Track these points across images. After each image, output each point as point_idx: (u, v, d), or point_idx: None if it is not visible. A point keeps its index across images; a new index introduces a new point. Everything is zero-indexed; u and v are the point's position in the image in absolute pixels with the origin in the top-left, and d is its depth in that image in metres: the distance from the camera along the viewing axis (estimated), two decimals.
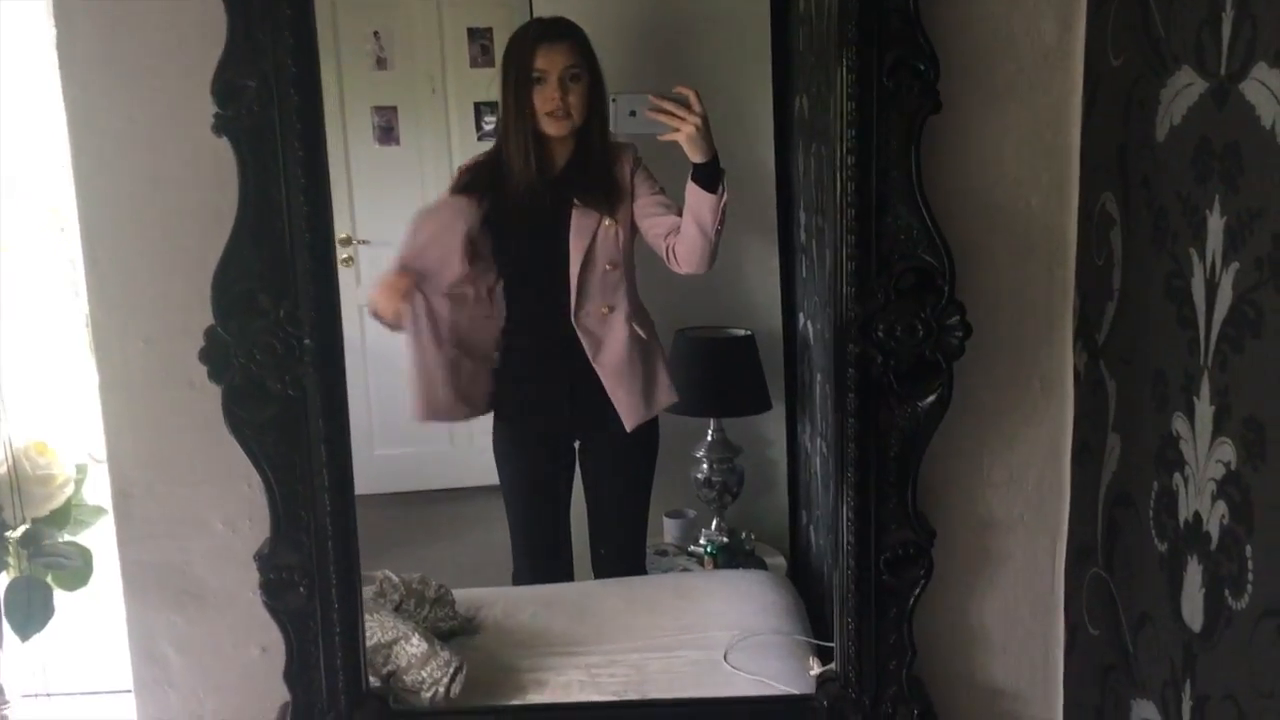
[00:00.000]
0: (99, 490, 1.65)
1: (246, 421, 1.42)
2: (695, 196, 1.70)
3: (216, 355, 1.39)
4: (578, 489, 2.01)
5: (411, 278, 1.78)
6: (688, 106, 1.63)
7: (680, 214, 1.77)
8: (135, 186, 1.44)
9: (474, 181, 1.78)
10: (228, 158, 1.36)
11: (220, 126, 1.35)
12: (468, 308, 1.84)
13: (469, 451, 1.99)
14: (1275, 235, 1.02)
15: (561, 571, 2.00)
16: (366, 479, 1.92)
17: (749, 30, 1.99)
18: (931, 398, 1.45)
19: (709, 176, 1.68)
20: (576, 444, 1.96)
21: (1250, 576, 1.09)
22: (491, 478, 1.96)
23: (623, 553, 2.03)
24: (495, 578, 1.98)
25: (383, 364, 1.89)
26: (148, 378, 1.49)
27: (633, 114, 1.64)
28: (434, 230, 1.80)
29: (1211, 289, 1.14)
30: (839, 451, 1.48)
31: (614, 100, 1.65)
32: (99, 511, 1.63)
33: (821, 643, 1.73)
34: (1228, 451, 1.12)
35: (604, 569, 2.00)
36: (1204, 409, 1.17)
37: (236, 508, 1.53)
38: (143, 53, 1.41)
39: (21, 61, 2.02)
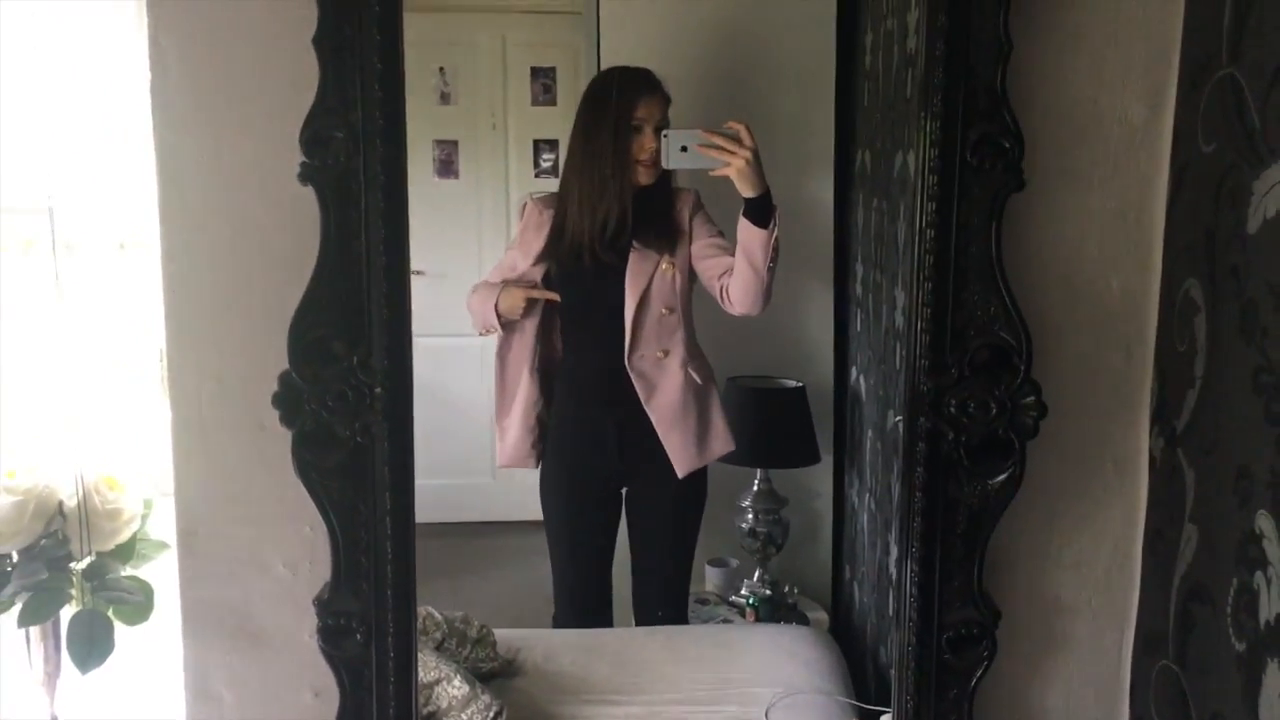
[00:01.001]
0: (162, 525, 1.66)
1: (314, 466, 1.42)
2: (747, 232, 1.70)
3: (289, 400, 1.40)
4: (622, 535, 2.01)
5: (532, 286, 1.80)
6: (739, 141, 1.63)
7: (731, 259, 1.77)
8: (218, 229, 1.46)
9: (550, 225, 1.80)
10: (311, 206, 1.37)
11: (306, 175, 1.36)
12: (540, 339, 1.86)
13: (509, 485, 2.00)
14: None
15: (602, 617, 2.00)
16: None
17: (813, 83, 2.00)
18: (1003, 476, 1.43)
19: (760, 211, 1.69)
20: (624, 490, 1.96)
21: None
22: (532, 513, 1.97)
23: (665, 601, 2.02)
24: (532, 615, 1.98)
25: (428, 394, 1.90)
26: (219, 417, 1.50)
27: (684, 149, 1.65)
28: (526, 268, 1.81)
29: None
30: (905, 526, 1.46)
31: (665, 136, 1.66)
32: (162, 546, 1.64)
33: (865, 705, 1.70)
34: None
35: (646, 617, 1.99)
36: None
37: (298, 550, 1.53)
38: (234, 99, 1.43)
39: (92, 85, 2.06)
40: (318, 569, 1.52)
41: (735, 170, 1.65)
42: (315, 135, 1.37)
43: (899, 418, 1.77)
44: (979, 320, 1.41)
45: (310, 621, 1.47)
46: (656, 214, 1.83)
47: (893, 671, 1.53)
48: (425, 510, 1.95)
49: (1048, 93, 1.43)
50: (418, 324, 1.93)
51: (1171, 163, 1.43)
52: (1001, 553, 1.49)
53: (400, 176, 1.39)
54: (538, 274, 1.84)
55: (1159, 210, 1.45)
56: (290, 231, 1.43)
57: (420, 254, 1.87)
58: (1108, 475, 1.52)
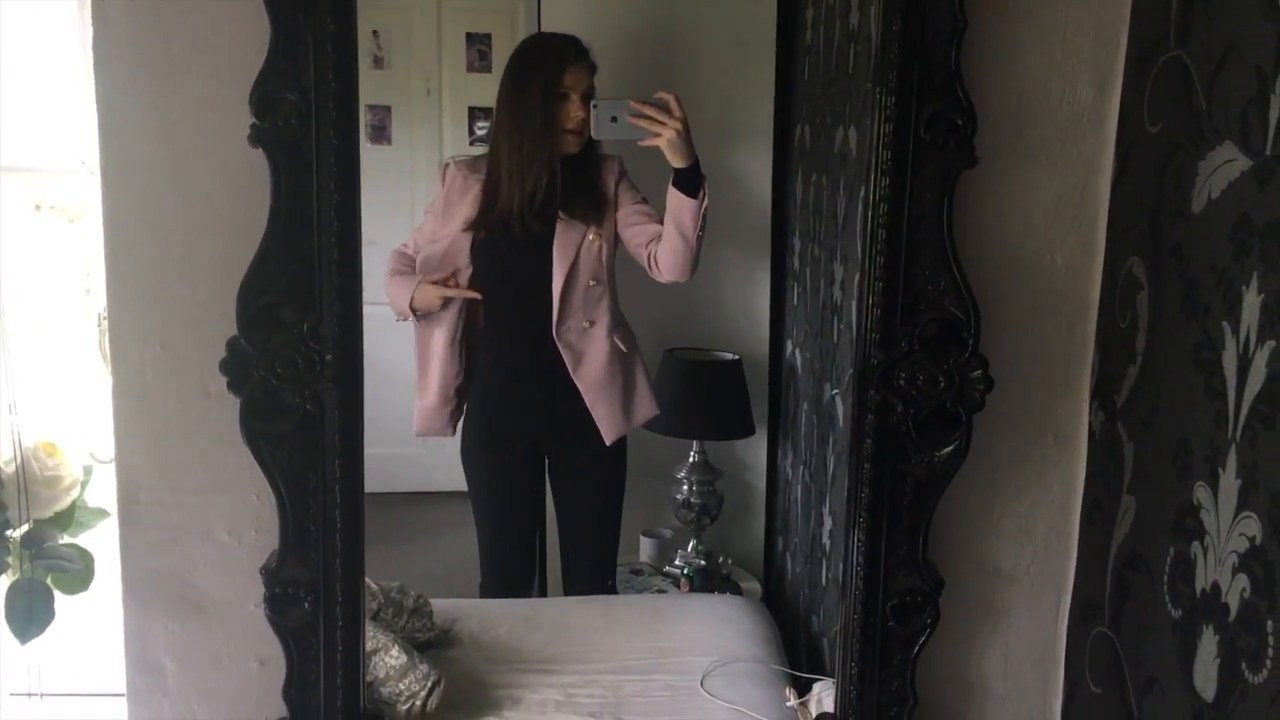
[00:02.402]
0: (101, 493, 1.63)
1: (263, 434, 1.41)
2: (677, 201, 1.71)
3: (238, 367, 1.38)
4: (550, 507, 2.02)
5: (449, 276, 1.79)
6: (668, 111, 1.64)
7: (658, 226, 1.77)
8: (164, 191, 1.42)
9: (479, 190, 1.78)
10: (260, 169, 1.34)
11: (257, 138, 1.34)
12: (463, 314, 1.84)
13: (440, 455, 1.99)
14: None
15: (529, 587, 2.01)
16: None
17: (752, 56, 2.00)
18: (949, 449, 1.46)
19: (690, 181, 1.70)
20: (546, 459, 1.96)
21: (1270, 651, 1.10)
22: (463, 484, 1.96)
23: (594, 569, 2.03)
24: (465, 585, 1.98)
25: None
26: (163, 384, 1.47)
27: (614, 119, 1.65)
28: (449, 233, 1.80)
29: (1244, 364, 1.15)
30: (853, 497, 1.49)
31: (595, 105, 1.66)
32: (101, 514, 1.61)
33: (799, 674, 1.73)
34: (1253, 526, 1.13)
35: (575, 587, 2.00)
36: (1229, 481, 1.18)
37: (243, 518, 1.51)
38: (181, 58, 1.39)
39: (35, 51, 1.99)
40: (263, 537, 1.50)
41: (665, 141, 1.65)
42: (266, 97, 1.34)
43: (835, 391, 1.80)
44: (929, 294, 1.43)
45: (255, 590, 1.45)
46: (582, 184, 1.83)
47: (837, 638, 1.56)
48: None
49: (1000, 72, 1.45)
50: None
51: (1117, 143, 1.46)
52: (944, 522, 1.52)
53: (353, 141, 1.37)
54: (463, 241, 1.82)
55: (1104, 189, 1.48)
56: (239, 194, 1.40)
57: None
58: (1048, 447, 1.55)
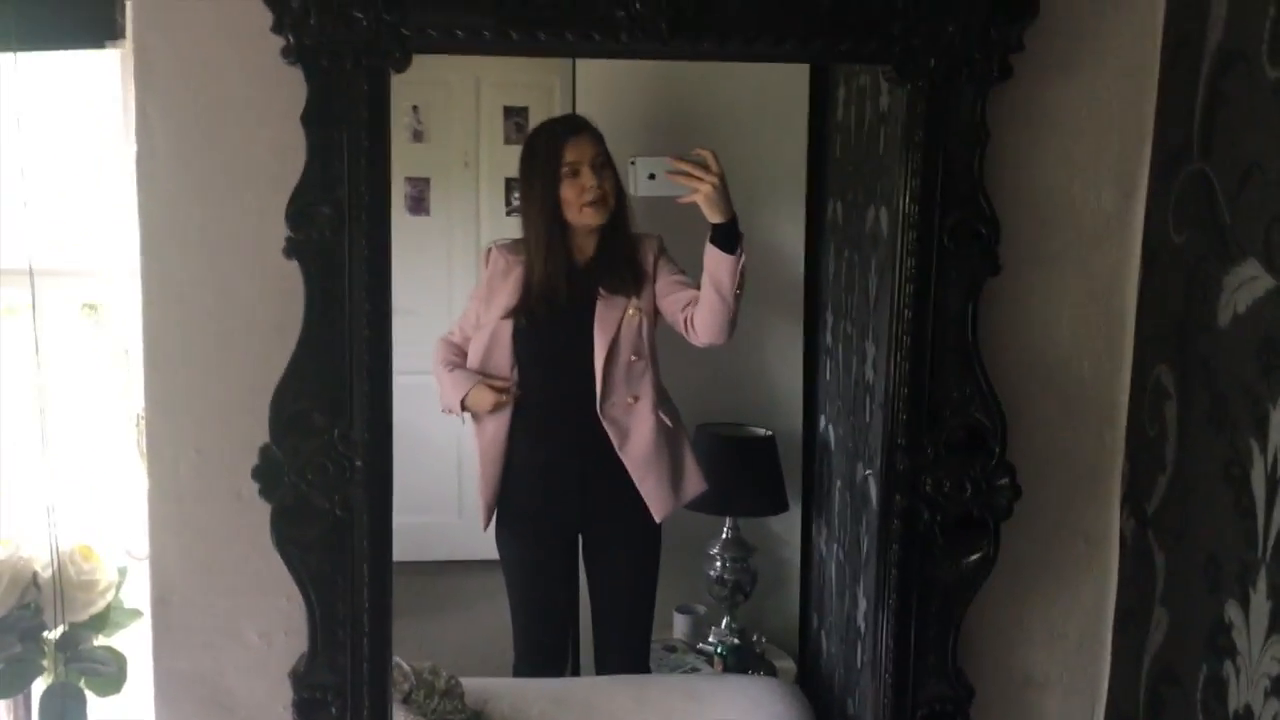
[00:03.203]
0: (135, 592, 1.64)
1: (293, 539, 1.42)
2: (713, 258, 1.71)
3: (269, 473, 1.40)
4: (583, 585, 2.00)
5: (507, 383, 1.81)
6: (706, 167, 1.65)
7: (694, 291, 1.78)
8: (200, 299, 1.46)
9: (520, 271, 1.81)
10: (295, 279, 1.37)
11: (291, 249, 1.37)
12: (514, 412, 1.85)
13: (475, 523, 1.98)
14: None
15: (562, 666, 1.99)
16: None
17: (785, 130, 2.01)
18: (977, 555, 1.45)
19: (727, 237, 1.70)
20: (580, 538, 1.96)
21: None
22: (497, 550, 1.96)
23: (627, 650, 2.01)
24: (500, 657, 1.97)
25: (399, 433, 1.90)
26: (196, 487, 1.49)
27: (651, 177, 1.67)
28: (492, 318, 1.82)
29: (1273, 484, 1.14)
30: (880, 603, 1.48)
31: (633, 163, 1.67)
32: (135, 615, 1.62)
33: None
34: None
35: (608, 664, 1.99)
36: (1260, 602, 1.16)
37: (273, 621, 1.52)
38: (220, 171, 1.43)
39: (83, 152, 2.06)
40: (293, 640, 1.51)
41: (703, 196, 1.66)
42: (301, 210, 1.37)
43: (868, 471, 1.79)
44: (955, 401, 1.44)
45: (284, 693, 1.46)
46: (618, 258, 1.84)
47: None
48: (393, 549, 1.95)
49: (1023, 178, 1.46)
50: None
51: (1143, 250, 1.46)
52: (974, 628, 1.50)
53: (385, 252, 1.40)
54: (506, 326, 1.84)
55: (1130, 296, 1.48)
56: (273, 304, 1.43)
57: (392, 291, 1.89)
58: (1079, 553, 1.54)
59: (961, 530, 1.45)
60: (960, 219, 1.41)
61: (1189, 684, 1.31)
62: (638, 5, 1.35)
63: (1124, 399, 1.50)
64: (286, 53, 1.33)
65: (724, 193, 1.67)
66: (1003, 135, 1.42)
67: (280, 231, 1.36)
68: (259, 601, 1.52)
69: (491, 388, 1.83)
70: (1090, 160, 1.46)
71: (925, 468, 1.44)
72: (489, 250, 1.86)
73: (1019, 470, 1.43)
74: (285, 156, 1.37)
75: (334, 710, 1.46)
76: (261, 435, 1.39)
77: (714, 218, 1.69)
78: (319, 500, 1.42)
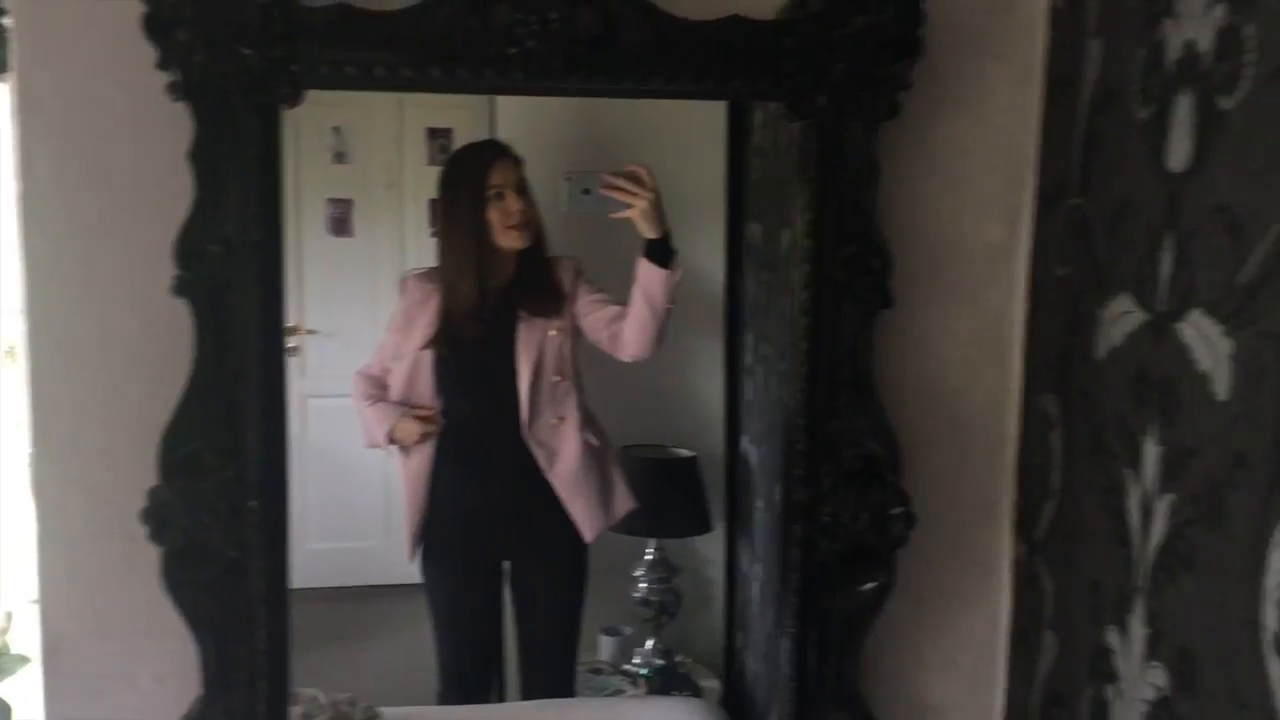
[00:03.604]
0: (23, 638, 1.60)
1: (185, 582, 1.40)
2: (647, 273, 1.71)
3: (159, 514, 1.37)
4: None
5: (432, 412, 1.79)
6: (640, 182, 1.65)
7: (618, 307, 1.78)
8: (88, 337, 1.43)
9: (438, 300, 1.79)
10: (185, 317, 1.35)
11: (179, 287, 1.35)
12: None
13: (401, 547, 1.97)
14: (1209, 478, 1.06)
15: (488, 693, 1.98)
16: (298, 573, 1.88)
17: (704, 152, 2.03)
18: (873, 584, 1.47)
19: (662, 252, 1.70)
20: (507, 564, 1.95)
21: None
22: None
23: (553, 673, 2.00)
24: (426, 683, 1.95)
25: (321, 457, 1.87)
26: (86, 529, 1.46)
27: (586, 192, 1.67)
28: (412, 348, 1.80)
29: (1146, 515, 1.18)
30: (779, 630, 1.49)
31: (567, 178, 1.67)
32: (22, 661, 1.58)
33: None
34: (1160, 676, 1.15)
35: (534, 689, 1.98)
36: (1137, 628, 1.19)
37: (166, 664, 1.49)
38: (106, 208, 1.40)
39: None
40: (187, 683, 1.48)
41: (638, 211, 1.66)
42: (189, 248, 1.35)
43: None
44: (850, 432, 1.46)
45: None
46: (538, 280, 1.84)
47: None
48: (317, 574, 1.91)
49: (914, 213, 1.49)
50: (309, 385, 1.91)
51: (1029, 283, 1.50)
52: (873, 655, 1.52)
53: (277, 289, 1.38)
54: (427, 355, 1.83)
55: (1018, 327, 1.52)
56: (162, 343, 1.40)
57: (313, 313, 1.87)
58: (973, 580, 1.57)
59: (859, 559, 1.47)
60: (853, 253, 1.43)
61: (1075, 708, 1.34)
62: (531, 42, 1.35)
63: (1014, 428, 1.53)
64: (173, 89, 1.31)
65: (659, 208, 1.68)
66: (893, 171, 1.45)
67: (168, 269, 1.34)
68: (152, 645, 1.49)
69: (418, 418, 1.82)
70: (977, 195, 1.50)
71: (822, 498, 1.46)
72: (404, 280, 1.85)
73: (914, 499, 1.45)
74: (173, 193, 1.35)
75: None
76: (152, 477, 1.36)
77: (648, 233, 1.69)
78: (212, 542, 1.39)
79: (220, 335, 1.37)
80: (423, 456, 1.83)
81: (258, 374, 1.38)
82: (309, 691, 1.65)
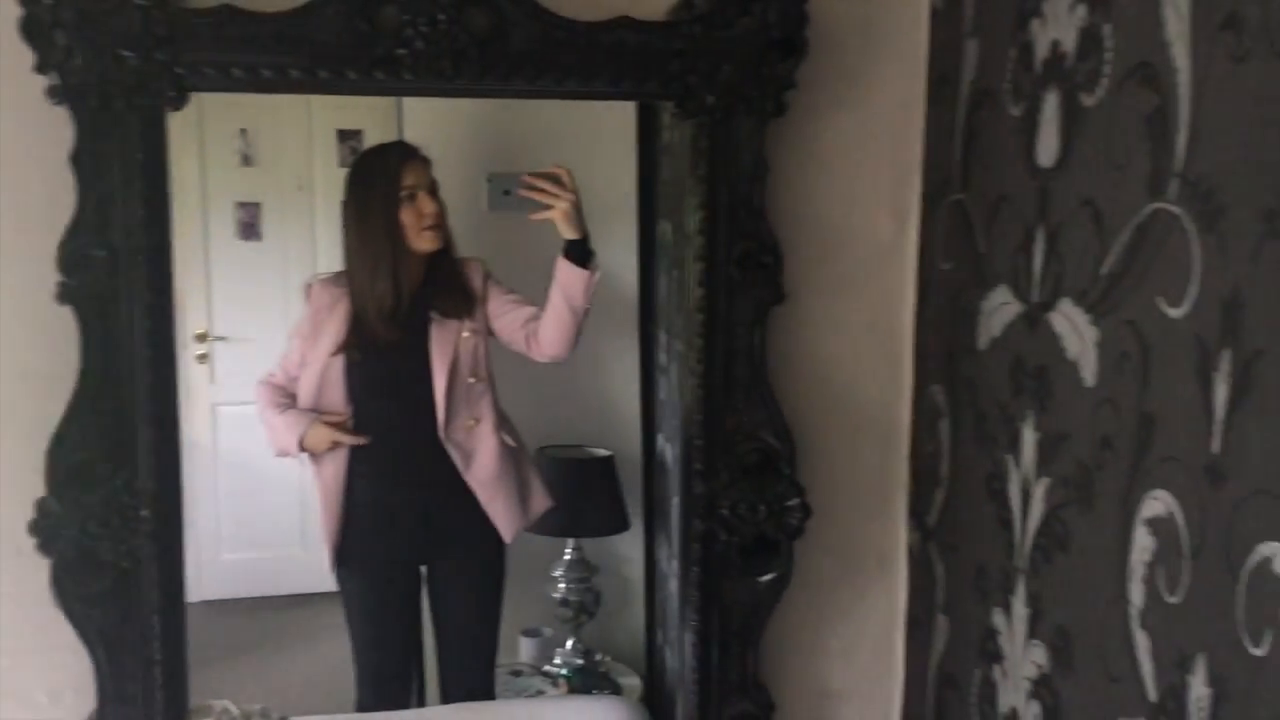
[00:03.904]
0: None
1: (76, 594, 1.38)
2: (567, 273, 1.71)
3: (47, 527, 1.35)
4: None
5: (343, 417, 1.77)
6: (561, 184, 1.66)
7: (533, 308, 1.79)
8: None
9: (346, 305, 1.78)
10: (71, 324, 1.33)
11: (64, 295, 1.32)
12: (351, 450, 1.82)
13: (321, 555, 1.95)
14: (1079, 461, 1.10)
15: (407, 700, 1.96)
16: (214, 584, 1.86)
17: (615, 151, 2.04)
18: (771, 575, 1.49)
19: (581, 253, 1.71)
20: (424, 569, 1.94)
21: None
22: None
23: (472, 677, 2.00)
24: (346, 691, 1.93)
25: (233, 466, 1.85)
26: None
27: (507, 193, 1.66)
28: (320, 355, 1.78)
29: (1026, 498, 1.22)
30: (682, 622, 1.51)
31: (489, 180, 1.67)
32: None
33: None
34: (1041, 654, 1.19)
35: (453, 693, 1.97)
36: (1020, 609, 1.23)
37: (60, 679, 1.46)
38: None
39: None
40: (82, 697, 1.46)
41: (559, 213, 1.67)
42: (74, 254, 1.33)
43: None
44: (746, 425, 1.48)
45: None
46: (448, 282, 1.83)
47: None
48: (233, 584, 1.89)
49: (804, 210, 1.51)
50: (219, 392, 1.88)
51: (917, 276, 1.54)
52: (774, 644, 1.55)
53: (166, 296, 1.37)
54: (338, 362, 1.81)
55: (907, 320, 1.55)
56: (47, 351, 1.38)
57: (224, 319, 1.84)
58: (870, 567, 1.60)
59: (758, 551, 1.50)
60: (745, 249, 1.45)
61: (966, 688, 1.38)
62: (420, 44, 1.36)
63: (906, 418, 1.57)
64: (52, 93, 1.29)
65: (579, 210, 1.68)
66: (783, 169, 1.48)
67: (52, 276, 1.32)
68: (45, 659, 1.46)
69: (329, 424, 1.80)
70: (866, 192, 1.53)
71: (721, 491, 1.48)
72: (309, 286, 1.82)
73: (810, 490, 1.48)
74: (56, 199, 1.33)
75: None
76: (41, 488, 1.34)
77: (569, 234, 1.69)
78: (104, 553, 1.37)
79: (107, 343, 1.35)
80: (337, 464, 1.81)
81: (147, 381, 1.36)
82: (220, 703, 1.63)
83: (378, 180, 1.76)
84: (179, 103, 1.34)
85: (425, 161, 1.78)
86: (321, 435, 1.78)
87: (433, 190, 1.77)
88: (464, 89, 1.41)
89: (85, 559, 1.37)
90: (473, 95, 1.46)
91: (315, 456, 1.80)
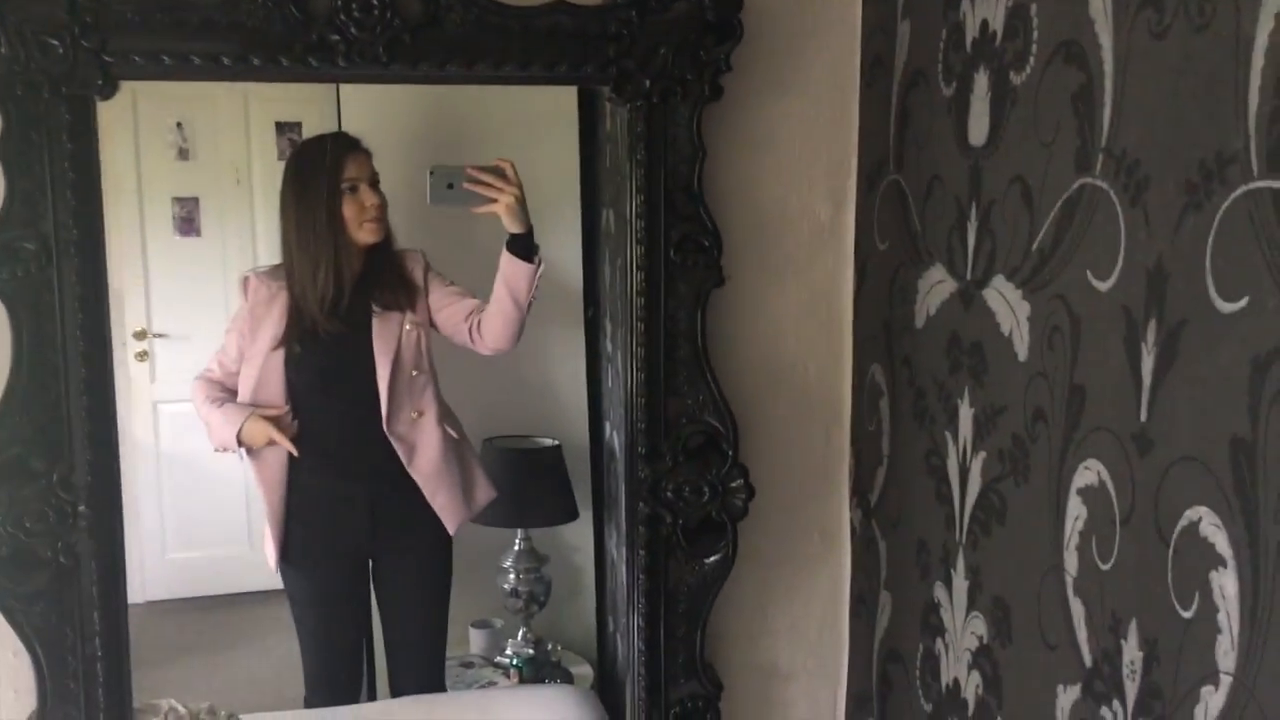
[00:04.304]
0: None
1: (12, 592, 1.36)
2: (512, 267, 1.71)
3: None
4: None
5: (282, 411, 1.75)
6: (505, 177, 1.65)
7: (475, 300, 1.78)
8: None
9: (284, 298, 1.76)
10: (1, 318, 1.31)
11: None
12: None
13: (268, 553, 1.93)
14: (1014, 434, 1.12)
15: (356, 696, 1.95)
16: (158, 584, 1.84)
17: (556, 142, 2.03)
18: (717, 556, 1.50)
19: (526, 247, 1.71)
20: (370, 562, 1.93)
21: None
22: None
23: (422, 670, 1.99)
24: (295, 688, 1.92)
25: (177, 464, 1.82)
26: None
27: (450, 186, 1.65)
28: (260, 350, 1.76)
29: (964, 472, 1.24)
30: (630, 606, 1.52)
31: (431, 172, 1.66)
32: None
33: None
34: (980, 625, 1.21)
35: (403, 686, 1.97)
36: (960, 582, 1.25)
37: (3, 677, 1.44)
38: None
39: None
40: (24, 697, 1.44)
41: (503, 206, 1.66)
42: (3, 246, 1.31)
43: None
44: (689, 408, 1.49)
45: None
46: (388, 274, 1.82)
47: None
48: (178, 584, 1.86)
49: (743, 193, 1.52)
50: (161, 390, 1.85)
51: (855, 257, 1.55)
52: (721, 624, 1.56)
53: (100, 285, 1.35)
54: (277, 357, 1.79)
55: (847, 301, 1.57)
56: None
57: (163, 316, 1.81)
58: (814, 546, 1.62)
59: (703, 533, 1.51)
60: (685, 233, 1.46)
61: (910, 662, 1.40)
62: (354, 30, 1.35)
63: (847, 398, 1.58)
64: None
65: (523, 203, 1.68)
66: (721, 152, 1.48)
67: None
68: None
69: (266, 418, 1.78)
70: (803, 174, 1.54)
71: (665, 474, 1.49)
72: (246, 279, 1.80)
73: (754, 472, 1.49)
74: None
75: None
76: None
77: (513, 227, 1.69)
78: (40, 549, 1.36)
79: (39, 337, 1.33)
80: (277, 460, 1.79)
81: (82, 375, 1.34)
82: (166, 702, 1.61)
83: (319, 171, 1.75)
84: (108, 91, 1.32)
85: (367, 154, 1.77)
86: (259, 429, 1.76)
87: (374, 183, 1.76)
88: (400, 75, 1.40)
89: (21, 556, 1.35)
90: (409, 82, 1.45)
91: (254, 452, 1.78)
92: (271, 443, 1.76)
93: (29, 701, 1.41)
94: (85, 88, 1.30)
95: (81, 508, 1.36)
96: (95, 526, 1.37)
